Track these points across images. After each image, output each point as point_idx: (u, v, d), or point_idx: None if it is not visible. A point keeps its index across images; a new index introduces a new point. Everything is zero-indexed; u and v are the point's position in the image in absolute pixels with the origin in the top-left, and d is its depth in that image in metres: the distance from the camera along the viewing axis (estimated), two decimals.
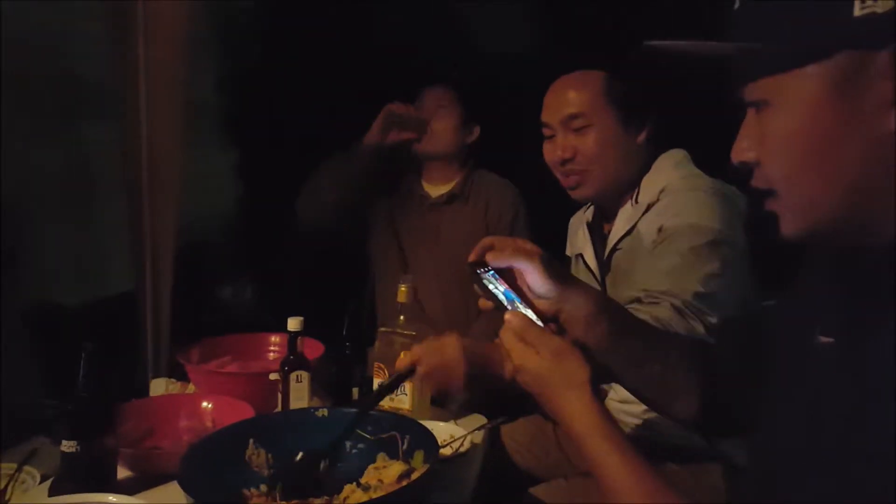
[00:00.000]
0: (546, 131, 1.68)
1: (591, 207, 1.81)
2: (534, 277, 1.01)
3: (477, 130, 2.32)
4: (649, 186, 1.63)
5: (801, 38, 0.70)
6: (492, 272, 1.03)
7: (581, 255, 1.79)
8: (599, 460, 0.87)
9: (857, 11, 0.67)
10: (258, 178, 2.58)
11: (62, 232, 2.19)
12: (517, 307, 0.99)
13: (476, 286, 1.02)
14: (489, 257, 1.03)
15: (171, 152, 2.11)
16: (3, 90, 1.88)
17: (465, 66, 2.62)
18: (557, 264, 1.04)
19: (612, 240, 1.67)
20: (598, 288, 1.70)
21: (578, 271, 1.81)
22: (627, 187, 1.66)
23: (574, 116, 1.62)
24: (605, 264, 1.70)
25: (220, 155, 2.49)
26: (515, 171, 2.34)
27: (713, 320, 1.39)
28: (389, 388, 1.19)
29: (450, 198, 2.29)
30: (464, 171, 2.32)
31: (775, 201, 0.76)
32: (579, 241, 1.81)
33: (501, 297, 1.00)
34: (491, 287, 1.01)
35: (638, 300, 1.43)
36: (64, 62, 2.16)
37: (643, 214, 1.60)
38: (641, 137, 1.65)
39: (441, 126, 2.26)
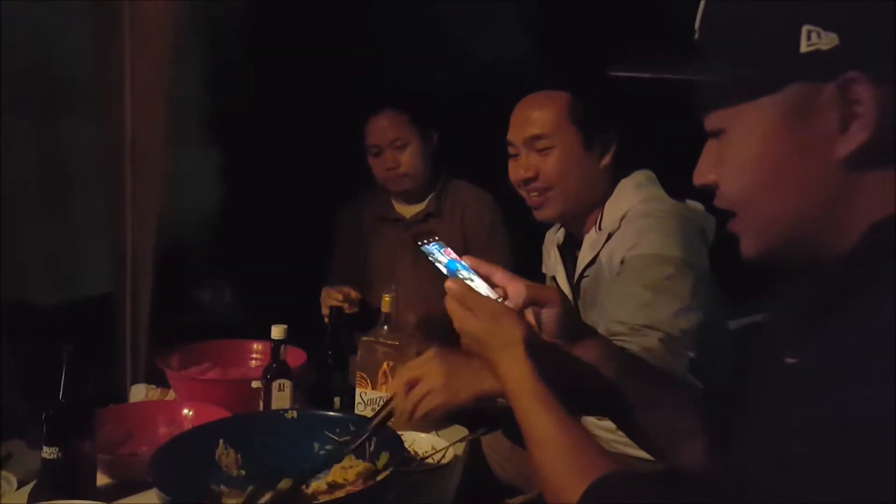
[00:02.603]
0: (511, 150, 1.68)
1: (562, 228, 1.80)
2: (549, 321, 1.02)
3: (436, 137, 2.29)
4: (611, 212, 1.62)
5: (753, 72, 0.75)
6: (435, 244, 1.07)
7: (554, 278, 1.79)
8: (527, 414, 0.90)
9: (803, 48, 0.71)
10: (242, 180, 2.56)
11: (40, 231, 2.15)
12: (460, 276, 1.03)
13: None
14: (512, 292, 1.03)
15: (154, 151, 2.09)
16: None
17: (448, 70, 2.62)
18: (573, 314, 1.06)
19: (579, 265, 1.67)
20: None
21: None
22: (592, 210, 1.66)
23: (537, 137, 1.62)
24: (575, 288, 1.70)
25: (204, 155, 2.47)
26: (494, 177, 2.35)
27: (693, 354, 1.40)
28: (376, 424, 1.22)
29: (426, 216, 2.30)
30: (436, 185, 2.31)
31: (735, 222, 0.81)
32: (551, 262, 1.81)
33: (444, 269, 1.05)
34: (432, 258, 1.06)
35: (620, 333, 1.41)
36: (48, 59, 2.13)
37: (605, 243, 1.60)
38: (606, 160, 1.64)
39: (405, 160, 2.23)
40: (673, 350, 1.38)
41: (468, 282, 1.02)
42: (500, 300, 1.01)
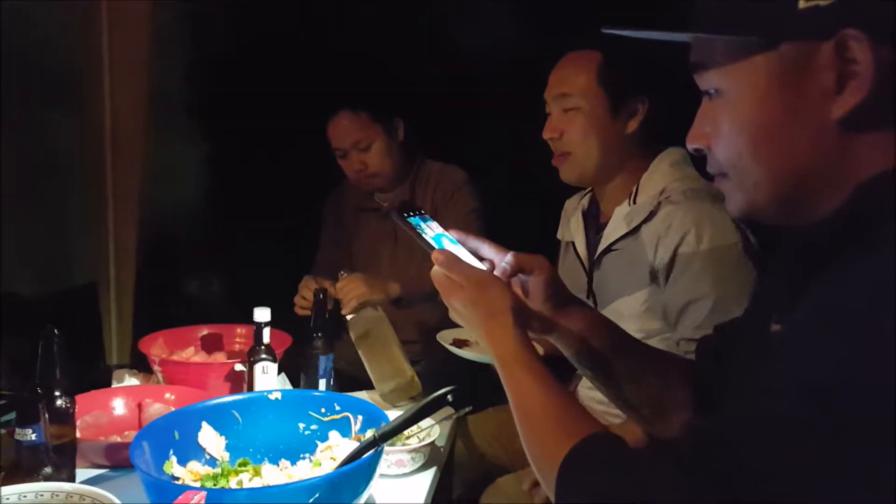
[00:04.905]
0: (546, 108, 1.66)
1: (588, 195, 1.77)
2: (537, 288, 1.02)
3: (401, 128, 2.23)
4: (647, 188, 1.59)
5: (748, 29, 0.73)
6: (419, 217, 1.06)
7: (573, 244, 1.76)
8: (513, 381, 0.90)
9: (801, 4, 0.69)
10: (225, 169, 2.55)
11: (23, 221, 2.14)
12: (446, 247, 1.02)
13: (405, 229, 1.05)
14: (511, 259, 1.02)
15: (135, 141, 2.08)
16: None
17: (433, 60, 2.60)
18: (561, 281, 1.05)
19: (607, 237, 1.63)
20: (585, 276, 1.69)
21: (567, 258, 1.78)
22: (618, 177, 1.63)
23: (564, 95, 1.60)
24: (596, 260, 1.66)
25: (186, 145, 2.45)
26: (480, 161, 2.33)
27: None
28: (418, 415, 1.16)
29: (402, 202, 2.26)
30: (411, 172, 2.28)
31: (724, 181, 0.80)
32: (572, 227, 1.77)
33: (431, 241, 1.03)
34: (418, 230, 1.04)
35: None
36: (24, 48, 2.10)
37: (645, 221, 1.55)
38: (632, 127, 1.60)
39: (371, 160, 2.18)
40: None
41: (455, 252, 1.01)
42: (487, 270, 1.00)
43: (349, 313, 1.81)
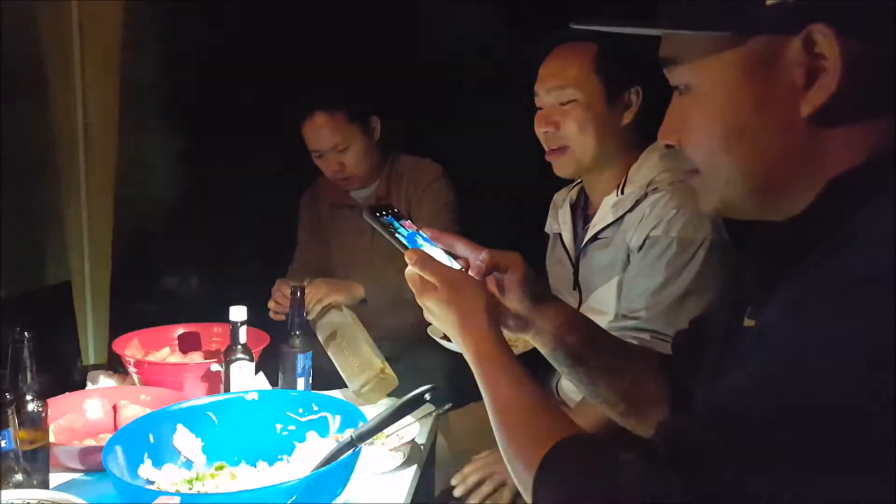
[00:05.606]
0: (537, 101, 1.64)
1: (577, 187, 1.77)
2: (512, 286, 1.01)
3: (377, 125, 2.20)
4: (636, 178, 1.59)
5: (718, 24, 0.73)
6: (392, 217, 1.05)
7: (560, 236, 1.76)
8: (488, 380, 0.89)
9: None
10: (200, 166, 2.52)
11: None
12: (420, 247, 1.01)
13: (378, 229, 1.04)
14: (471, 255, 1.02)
15: (109, 138, 2.05)
16: None
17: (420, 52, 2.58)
18: (536, 278, 1.04)
19: (594, 227, 1.64)
20: (571, 268, 1.69)
21: (554, 251, 1.78)
22: (610, 170, 1.63)
23: (560, 88, 1.58)
24: (583, 249, 1.67)
25: (161, 141, 2.42)
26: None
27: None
28: (396, 414, 1.16)
29: (377, 199, 2.26)
30: (385, 167, 2.26)
31: (696, 178, 0.80)
32: (560, 219, 1.77)
33: (404, 240, 1.02)
34: (391, 230, 1.03)
35: (623, 326, 1.46)
36: None
37: (631, 209, 1.56)
38: (627, 119, 1.60)
39: (349, 161, 2.14)
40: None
41: (429, 251, 1.00)
42: (461, 269, 0.99)
43: (315, 318, 1.80)
